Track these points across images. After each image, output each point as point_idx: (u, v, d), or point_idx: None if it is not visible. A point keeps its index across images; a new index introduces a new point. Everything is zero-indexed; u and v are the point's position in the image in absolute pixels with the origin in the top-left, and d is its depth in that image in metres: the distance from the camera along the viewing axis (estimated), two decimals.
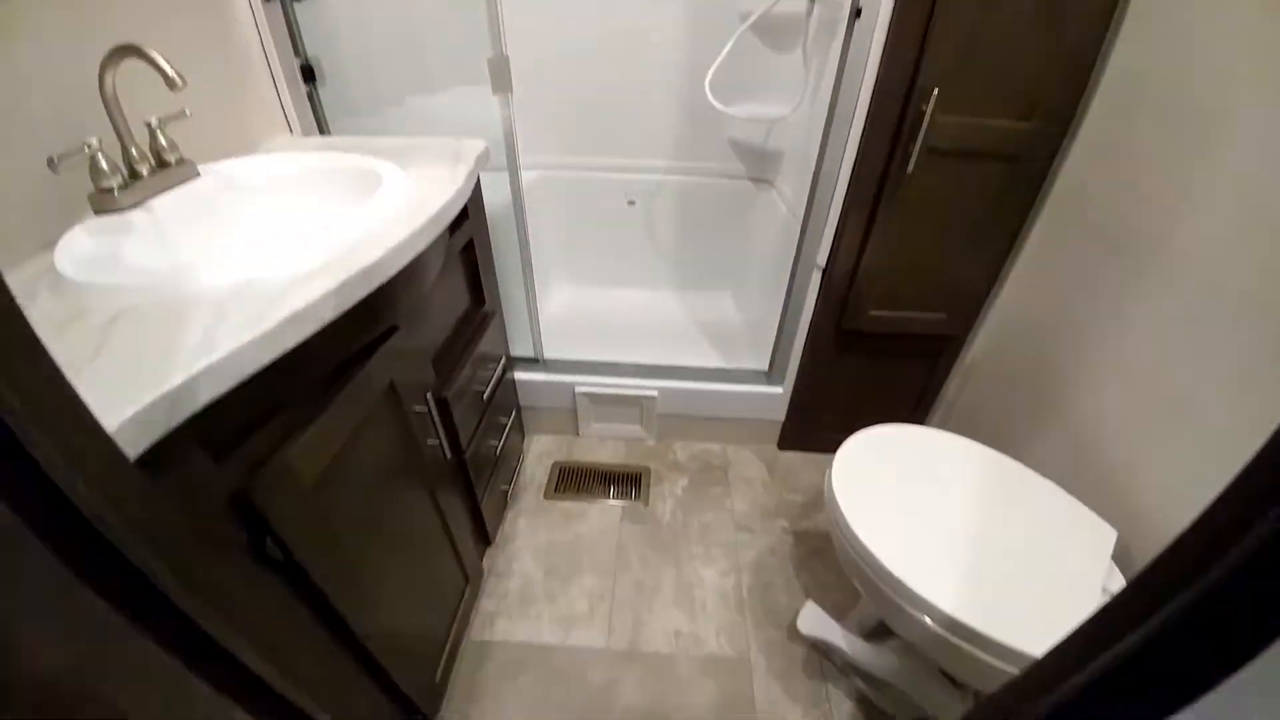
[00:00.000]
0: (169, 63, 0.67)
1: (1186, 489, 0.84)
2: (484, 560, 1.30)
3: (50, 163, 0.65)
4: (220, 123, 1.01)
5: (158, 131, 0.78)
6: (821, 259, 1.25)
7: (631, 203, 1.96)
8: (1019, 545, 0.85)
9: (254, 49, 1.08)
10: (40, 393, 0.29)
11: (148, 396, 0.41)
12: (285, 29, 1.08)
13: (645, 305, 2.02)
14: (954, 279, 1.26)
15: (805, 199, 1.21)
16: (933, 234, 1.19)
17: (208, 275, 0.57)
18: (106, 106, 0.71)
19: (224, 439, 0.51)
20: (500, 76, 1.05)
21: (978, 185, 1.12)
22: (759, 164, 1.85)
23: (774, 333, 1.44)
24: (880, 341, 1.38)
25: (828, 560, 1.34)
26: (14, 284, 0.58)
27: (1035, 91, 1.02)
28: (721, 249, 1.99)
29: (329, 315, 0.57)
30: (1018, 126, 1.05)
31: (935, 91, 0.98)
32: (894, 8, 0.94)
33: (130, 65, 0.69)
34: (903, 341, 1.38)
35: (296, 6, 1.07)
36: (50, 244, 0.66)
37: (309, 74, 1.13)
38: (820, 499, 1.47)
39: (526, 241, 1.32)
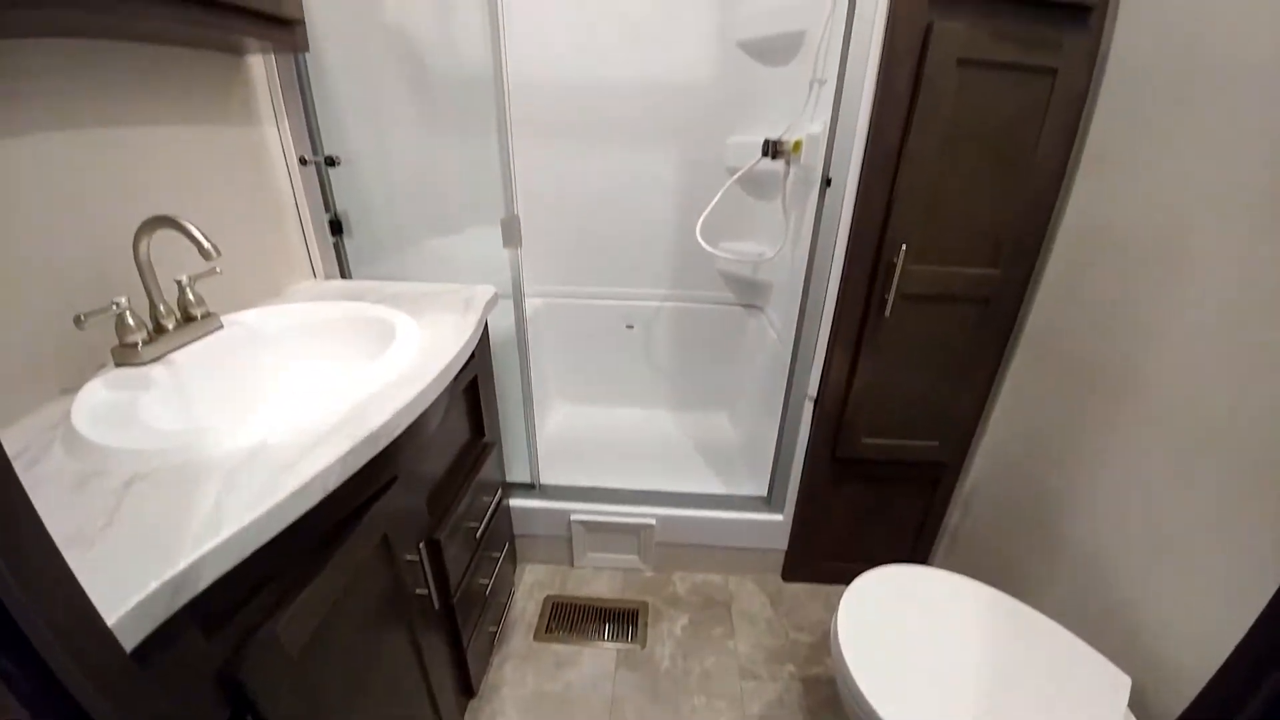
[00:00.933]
0: (205, 232, 0.73)
1: (1193, 629, 0.81)
2: (465, 716, 1.19)
3: (77, 320, 0.69)
4: (249, 270, 1.09)
5: (187, 289, 0.84)
6: (813, 390, 1.30)
7: (630, 327, 2.05)
8: (1032, 697, 0.81)
9: (288, 205, 1.19)
10: (40, 580, 0.30)
11: (153, 582, 0.41)
12: (319, 188, 1.21)
13: (643, 424, 2.04)
14: (943, 409, 1.30)
15: (794, 329, 1.28)
16: (916, 368, 1.24)
17: (223, 438, 0.59)
18: (139, 270, 0.76)
19: (217, 613, 0.50)
20: (511, 233, 1.16)
21: (954, 325, 1.20)
22: (749, 292, 1.97)
23: (772, 455, 1.45)
24: (877, 468, 1.38)
25: (841, 712, 1.23)
26: (30, 432, 0.63)
27: (999, 240, 1.12)
28: (716, 370, 2.06)
29: (334, 484, 0.58)
30: (986, 273, 1.15)
31: (904, 246, 1.08)
32: (860, 178, 1.07)
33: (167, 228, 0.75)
34: (899, 468, 1.39)
35: (330, 171, 1.20)
36: (70, 390, 0.69)
37: (336, 227, 1.25)
38: (829, 639, 1.39)
39: (529, 378, 1.38)
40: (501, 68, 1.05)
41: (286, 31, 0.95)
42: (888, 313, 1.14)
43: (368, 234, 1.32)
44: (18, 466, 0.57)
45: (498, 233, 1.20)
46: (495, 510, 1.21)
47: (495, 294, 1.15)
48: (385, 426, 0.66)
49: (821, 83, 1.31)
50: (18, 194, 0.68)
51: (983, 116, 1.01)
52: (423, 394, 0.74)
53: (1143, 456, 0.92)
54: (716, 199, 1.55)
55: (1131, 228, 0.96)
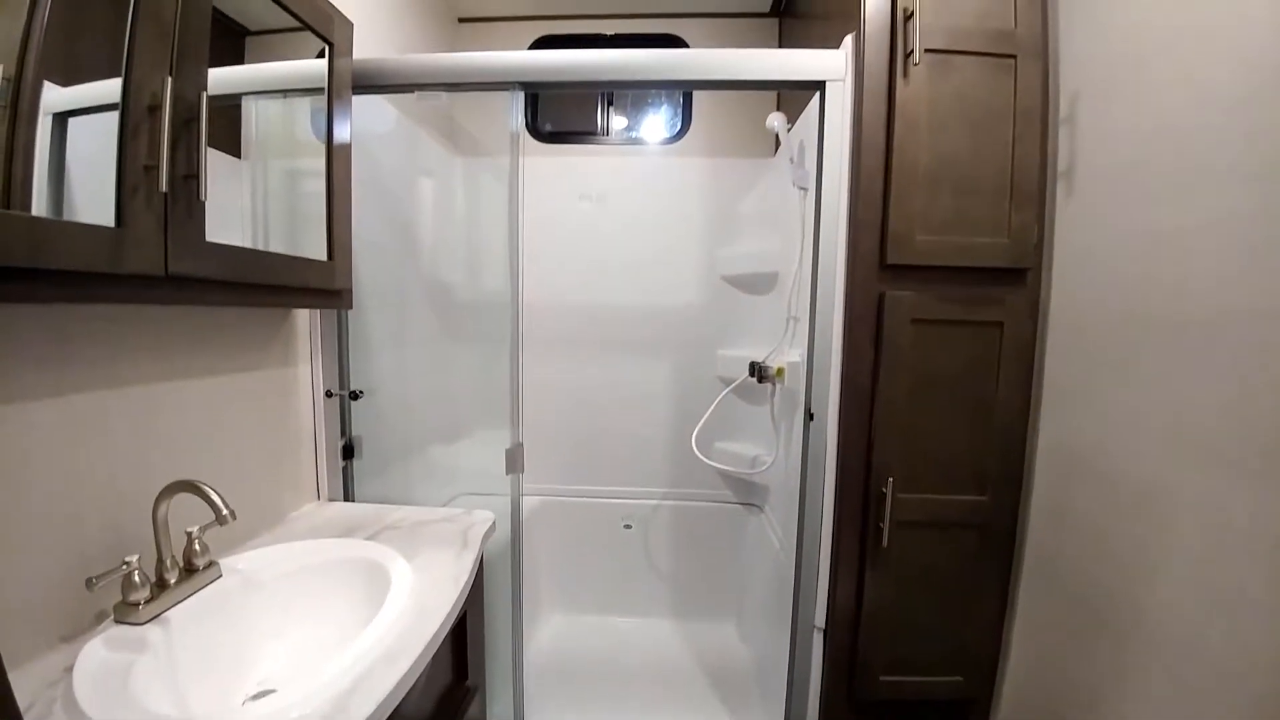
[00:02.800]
0: (223, 491, 0.77)
1: None
2: None
3: (89, 583, 0.70)
4: (257, 499, 1.12)
5: (195, 540, 0.86)
6: (820, 620, 1.24)
7: (628, 526, 2.02)
8: None
9: (307, 433, 1.27)
10: None
11: None
12: (339, 418, 1.30)
13: (643, 637, 1.89)
14: (961, 641, 1.22)
15: (794, 553, 1.26)
16: (924, 596, 1.20)
17: None
18: (155, 528, 0.79)
19: None
20: (514, 462, 1.22)
21: (955, 552, 1.19)
22: (747, 491, 1.98)
23: (784, 682, 1.31)
24: (902, 711, 1.25)
25: None
26: (35, 683, 0.62)
27: (981, 469, 1.17)
28: (719, 573, 1.97)
29: None
30: (976, 499, 1.18)
31: (890, 480, 1.13)
32: (839, 416, 1.16)
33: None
34: (927, 710, 1.25)
35: (353, 404, 1.30)
36: (68, 638, 0.69)
37: (349, 451, 1.31)
38: None
39: (520, 626, 1.33)
40: (518, 294, 1.22)
41: (335, 298, 1.11)
42: (885, 541, 1.14)
43: (377, 453, 1.38)
44: None
45: (502, 437, 1.26)
46: None
47: (494, 523, 1.17)
48: None
49: (796, 320, 1.49)
50: (50, 450, 0.72)
51: (943, 365, 1.14)
52: (409, 672, 0.71)
53: (1157, 697, 0.85)
54: (709, 413, 1.66)
55: (1105, 457, 0.99)
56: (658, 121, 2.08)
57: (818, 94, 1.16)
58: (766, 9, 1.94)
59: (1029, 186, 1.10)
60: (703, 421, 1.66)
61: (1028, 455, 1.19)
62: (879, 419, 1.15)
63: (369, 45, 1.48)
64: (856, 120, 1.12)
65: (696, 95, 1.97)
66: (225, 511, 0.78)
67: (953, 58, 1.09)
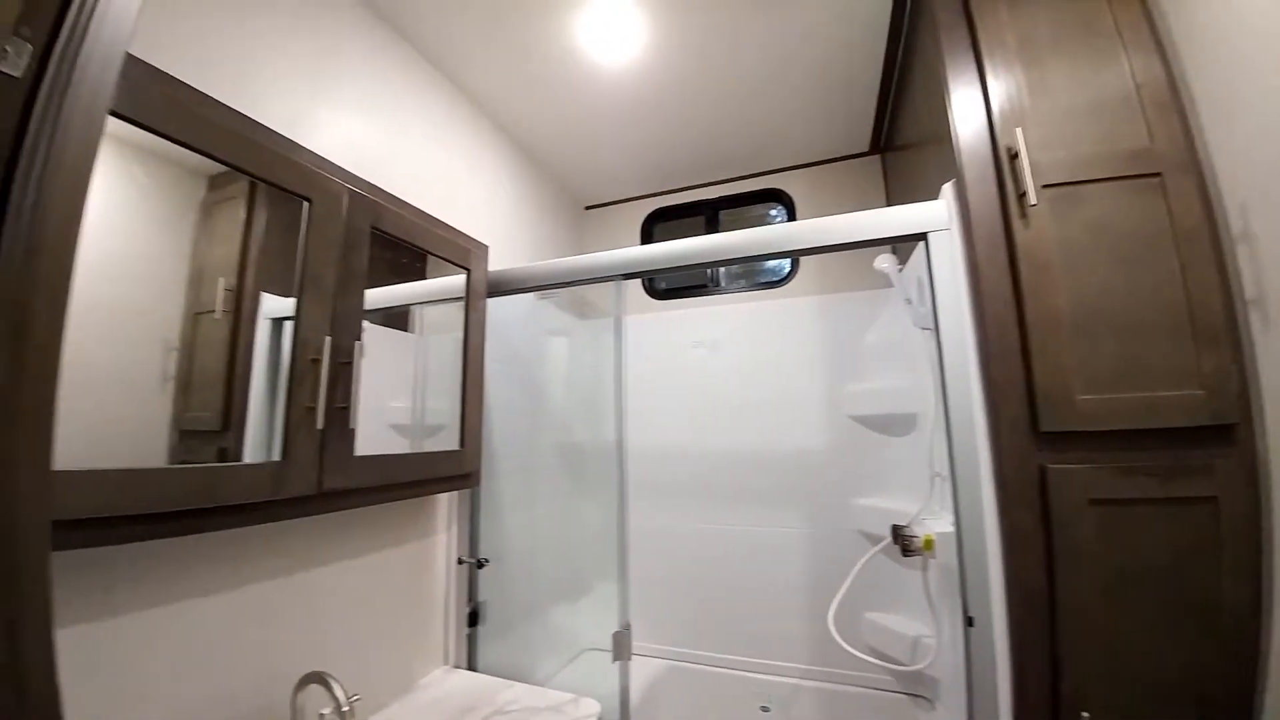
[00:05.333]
0: (344, 688, 0.85)
1: None
2: None
3: None
4: (391, 667, 1.20)
5: None
6: None
7: (765, 709, 1.75)
8: None
9: (439, 600, 1.36)
10: None
11: None
12: (467, 584, 1.38)
13: None
14: None
15: None
16: None
17: None
18: (292, 714, 0.88)
19: None
20: (622, 648, 1.16)
21: None
22: (911, 681, 1.62)
23: None
24: None
25: None
26: None
27: (1203, 692, 0.83)
28: None
29: None
30: None
31: (1085, 715, 0.83)
32: (1010, 626, 0.92)
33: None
34: None
35: (479, 571, 1.38)
36: None
37: (474, 618, 1.37)
38: None
39: None
40: (623, 442, 1.25)
41: (465, 480, 1.24)
42: None
43: (501, 618, 1.42)
44: None
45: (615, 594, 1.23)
46: None
47: (600, 713, 1.09)
48: None
49: (942, 478, 1.28)
50: (217, 637, 0.86)
51: (1142, 556, 0.86)
52: None
53: None
54: (848, 583, 1.44)
55: None
56: (766, 269, 2.12)
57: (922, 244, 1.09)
58: (866, 148, 1.96)
59: (1213, 321, 0.87)
60: (842, 592, 1.43)
61: (1260, 668, 0.81)
62: (1065, 630, 0.88)
63: (510, 246, 1.79)
64: (971, 268, 1.02)
65: None
66: (346, 707, 0.85)
67: (1080, 189, 0.96)
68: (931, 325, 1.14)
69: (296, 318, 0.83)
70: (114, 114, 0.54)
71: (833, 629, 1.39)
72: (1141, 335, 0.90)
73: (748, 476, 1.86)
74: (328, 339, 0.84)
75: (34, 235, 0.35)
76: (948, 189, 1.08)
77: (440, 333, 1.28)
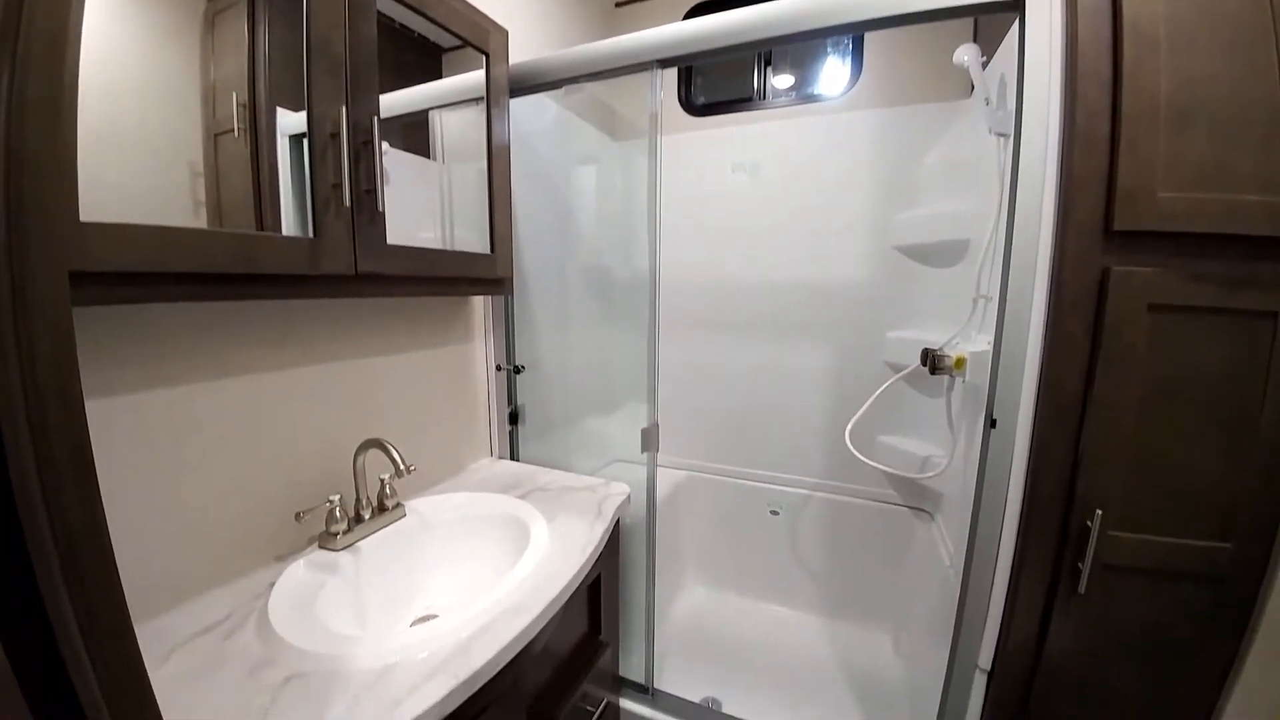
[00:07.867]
0: (404, 445, 0.96)
1: None
2: None
3: (298, 516, 0.92)
4: (443, 451, 1.35)
5: (387, 484, 1.07)
6: (985, 661, 1.05)
7: (775, 512, 1.95)
8: None
9: (481, 402, 1.47)
10: None
11: None
12: (506, 389, 1.48)
13: (786, 628, 1.83)
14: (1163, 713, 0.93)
15: (959, 584, 1.08)
16: (1126, 660, 0.94)
17: (363, 656, 0.70)
18: (354, 476, 1.00)
19: None
20: (650, 440, 1.25)
21: (1176, 609, 0.90)
22: (916, 495, 1.75)
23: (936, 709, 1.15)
24: None
25: None
26: (240, 597, 0.82)
27: (1230, 509, 0.86)
28: (876, 578, 1.79)
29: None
30: (1215, 546, 0.87)
31: (1099, 512, 0.88)
32: (1034, 428, 0.93)
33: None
34: None
35: (517, 377, 1.47)
36: (282, 557, 0.91)
37: (514, 418, 1.49)
38: None
39: (654, 581, 1.38)
40: (655, 273, 1.25)
41: (497, 285, 1.25)
42: (1083, 588, 0.90)
43: (539, 420, 1.54)
44: (217, 634, 0.76)
45: (641, 417, 1.32)
46: (603, 713, 1.17)
47: (629, 496, 1.22)
48: (487, 665, 0.72)
49: (986, 299, 1.23)
50: (276, 411, 0.95)
51: (1191, 367, 0.83)
52: (526, 629, 0.79)
53: None
54: (869, 403, 1.48)
55: None
56: (823, 75, 1.86)
57: (1017, 17, 0.91)
58: None
59: None
60: (861, 412, 1.49)
61: None
62: (1093, 434, 0.89)
63: (531, 47, 1.60)
64: (1070, 42, 0.85)
65: (868, 38, 1.70)
66: (403, 466, 0.95)
67: None
68: (1009, 129, 1.00)
69: (308, 91, 0.77)
70: None
71: (849, 442, 1.47)
72: (1236, 133, 0.78)
73: (782, 309, 1.84)
74: (344, 108, 0.79)
75: None
76: None
77: (463, 161, 1.20)
